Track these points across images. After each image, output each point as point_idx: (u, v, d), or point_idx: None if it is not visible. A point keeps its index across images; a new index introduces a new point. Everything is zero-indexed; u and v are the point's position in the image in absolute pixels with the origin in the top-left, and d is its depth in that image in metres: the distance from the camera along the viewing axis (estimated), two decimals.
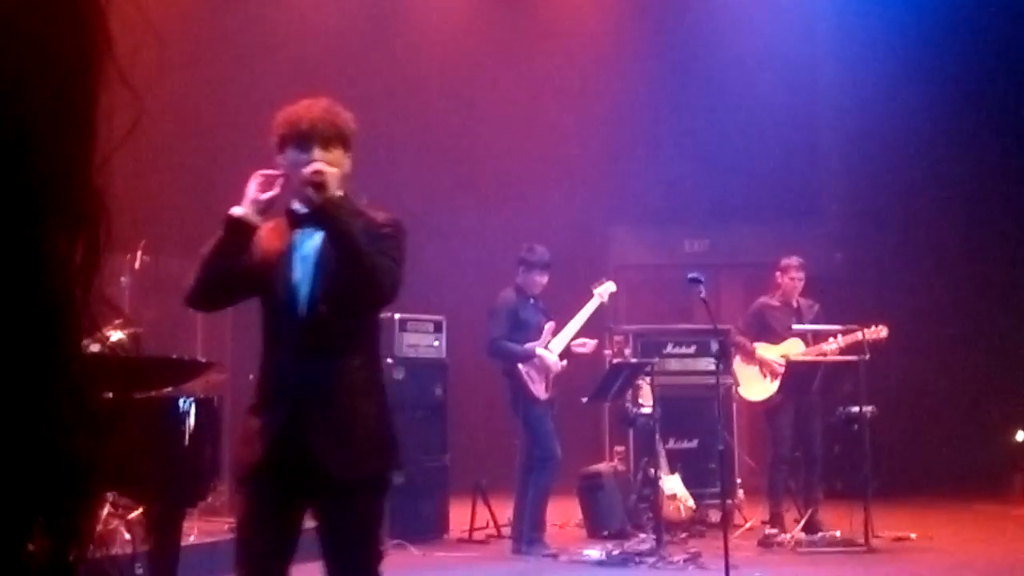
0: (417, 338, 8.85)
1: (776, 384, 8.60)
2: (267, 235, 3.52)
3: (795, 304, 8.78)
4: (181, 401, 4.91)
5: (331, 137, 3.47)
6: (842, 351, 8.44)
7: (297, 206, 3.50)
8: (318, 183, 3.39)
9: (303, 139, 3.45)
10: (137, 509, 6.24)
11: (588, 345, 8.21)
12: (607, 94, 11.99)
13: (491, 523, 8.60)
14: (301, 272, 3.48)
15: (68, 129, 0.55)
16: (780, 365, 8.60)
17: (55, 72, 0.53)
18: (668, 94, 12.10)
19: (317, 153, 3.43)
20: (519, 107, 11.92)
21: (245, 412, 3.50)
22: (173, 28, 10.29)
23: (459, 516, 8.72)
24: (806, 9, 12.30)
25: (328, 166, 3.42)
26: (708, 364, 8.66)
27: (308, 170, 3.39)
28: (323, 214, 3.40)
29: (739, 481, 9.44)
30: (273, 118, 3.53)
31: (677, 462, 8.88)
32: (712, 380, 8.14)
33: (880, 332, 8.30)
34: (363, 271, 3.37)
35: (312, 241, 3.51)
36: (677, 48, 12.15)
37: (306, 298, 3.45)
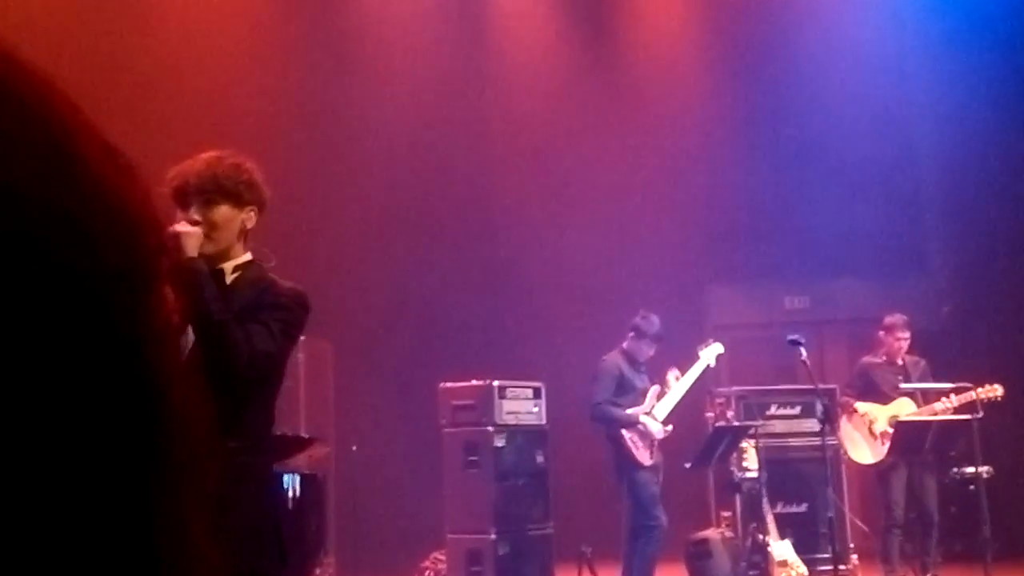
0: (517, 405, 8.81)
1: (886, 446, 8.36)
2: None
3: (901, 362, 8.56)
4: (285, 477, 4.94)
5: (212, 192, 3.24)
6: (955, 410, 8.18)
7: None
8: (171, 246, 3.13)
9: (179, 197, 3.25)
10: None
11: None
12: (700, 150, 11.93)
13: None
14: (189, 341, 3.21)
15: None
16: (889, 429, 8.37)
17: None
18: (763, 148, 11.99)
19: (194, 212, 3.22)
20: (611, 167, 11.91)
21: None
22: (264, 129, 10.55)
23: None
24: (902, 59, 12.13)
25: (191, 226, 3.20)
26: (814, 425, 8.47)
27: (169, 231, 3.15)
28: (173, 279, 3.09)
29: (852, 546, 9.16)
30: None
31: (787, 527, 8.66)
32: (819, 442, 7.97)
33: (995, 391, 8.03)
34: (214, 341, 3.10)
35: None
36: (772, 101, 12.06)
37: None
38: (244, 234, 3.37)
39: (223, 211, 3.28)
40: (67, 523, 0.47)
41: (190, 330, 3.14)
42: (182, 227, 3.19)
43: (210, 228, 3.27)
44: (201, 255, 3.26)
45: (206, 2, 10.49)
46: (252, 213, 3.36)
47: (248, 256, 3.38)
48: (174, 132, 9.18)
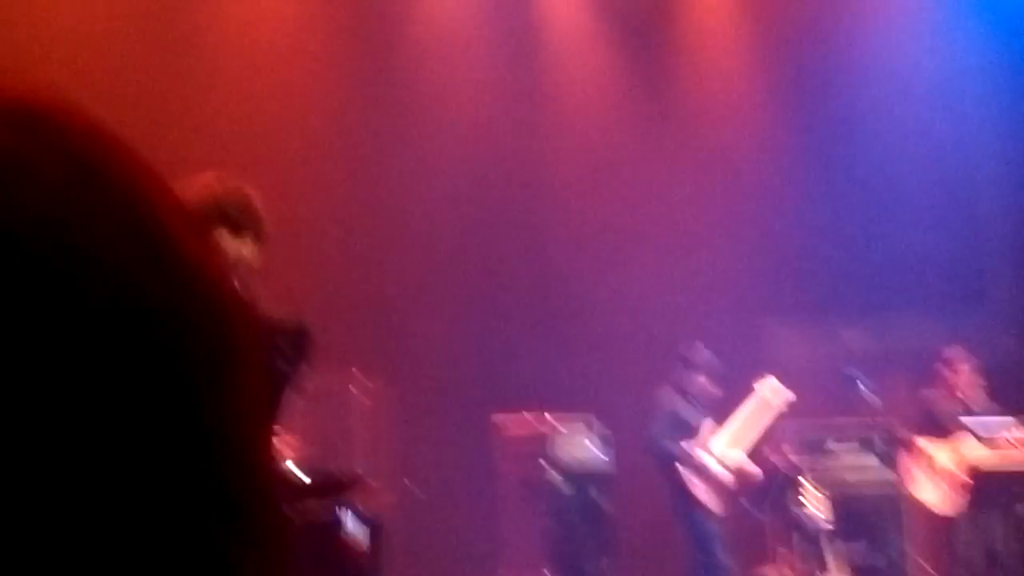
0: (573, 442, 8.76)
1: (950, 491, 8.18)
2: None
3: (961, 396, 8.42)
4: (342, 514, 4.95)
5: (209, 217, 3.09)
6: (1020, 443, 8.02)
7: None
8: None
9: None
10: None
11: (748, 472, 8.00)
12: (757, 180, 11.84)
13: None
14: None
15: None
16: (957, 473, 8.20)
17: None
18: (821, 178, 11.88)
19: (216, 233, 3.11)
20: (666, 199, 11.86)
21: None
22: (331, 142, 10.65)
23: None
24: (963, 88, 11.99)
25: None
26: (874, 461, 8.36)
27: None
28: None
29: None
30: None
31: (847, 564, 8.51)
32: (879, 478, 7.86)
33: None
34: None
35: None
36: (830, 130, 11.95)
37: None
38: (239, 263, 3.20)
39: (219, 237, 3.13)
40: None
41: None
42: None
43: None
44: None
45: (259, 16, 10.60)
46: (250, 241, 3.21)
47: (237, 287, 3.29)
48: (222, 143, 9.31)
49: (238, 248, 3.15)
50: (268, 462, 0.54)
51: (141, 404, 0.46)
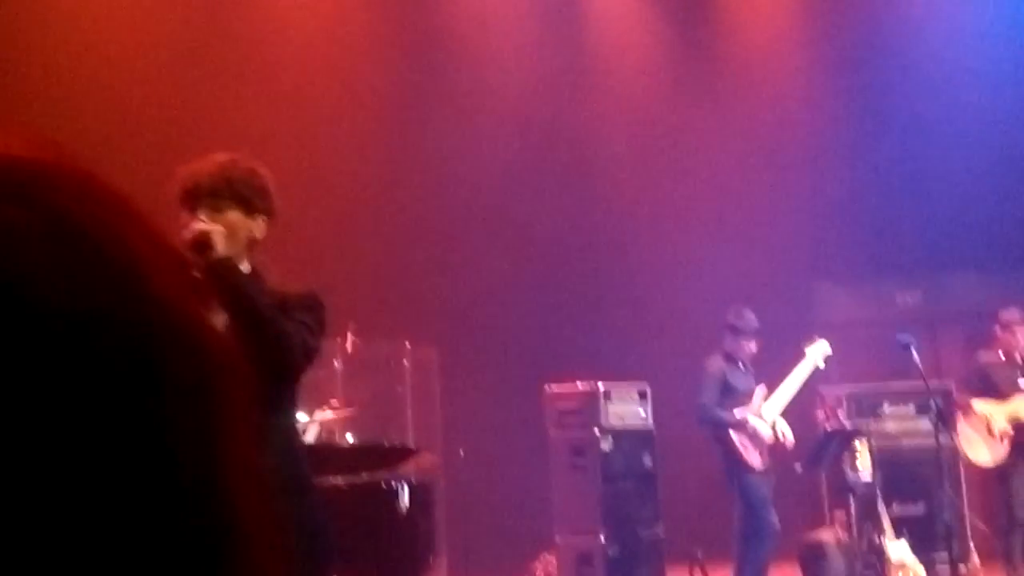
0: (623, 407, 8.79)
1: (1005, 447, 8.13)
2: None
3: (1019, 358, 8.31)
4: (396, 486, 5.02)
5: (223, 196, 3.12)
6: None
7: None
8: (199, 244, 3.04)
9: (189, 199, 3.12)
10: None
11: (788, 442, 7.96)
12: (807, 142, 11.73)
13: None
14: None
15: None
16: (1010, 429, 8.13)
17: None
18: (873, 138, 11.75)
19: (204, 215, 3.09)
20: (715, 164, 11.79)
21: None
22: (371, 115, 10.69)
23: None
24: (1016, 46, 11.76)
25: (212, 225, 3.08)
26: (929, 424, 8.29)
27: (188, 231, 3.06)
28: (211, 278, 3.01)
29: (972, 546, 8.92)
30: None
31: (903, 527, 8.47)
32: (934, 441, 7.80)
33: None
34: (267, 336, 3.00)
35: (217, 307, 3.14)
36: (880, 86, 11.80)
37: None
38: (252, 244, 3.22)
39: (233, 217, 3.14)
40: None
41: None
42: (209, 225, 3.08)
43: (230, 226, 3.16)
44: None
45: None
46: (262, 222, 3.22)
47: (249, 267, 3.21)
48: (271, 103, 9.36)
49: (250, 227, 3.17)
50: (254, 493, 0.54)
51: (108, 436, 0.48)
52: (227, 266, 3.05)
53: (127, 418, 0.48)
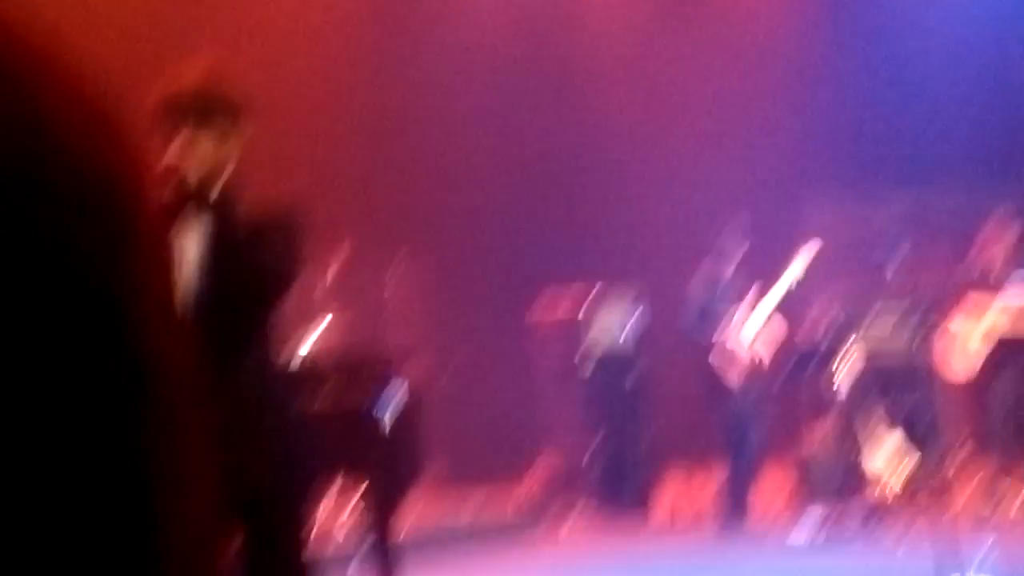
0: (613, 316, 8.88)
1: (981, 357, 8.25)
2: None
3: (999, 268, 8.41)
4: (378, 406, 5.09)
5: (205, 117, 3.11)
6: None
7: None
8: (173, 176, 3.04)
9: (170, 115, 3.10)
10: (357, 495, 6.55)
11: (768, 360, 8.07)
12: (791, 52, 11.67)
13: (698, 502, 8.55)
14: (184, 270, 3.08)
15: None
16: (991, 343, 8.23)
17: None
18: (855, 48, 11.67)
19: (188, 132, 3.08)
20: (700, 74, 11.72)
21: None
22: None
23: (665, 495, 8.69)
24: None
25: (194, 148, 3.08)
26: (910, 334, 8.37)
27: (165, 160, 3.05)
28: (191, 206, 3.04)
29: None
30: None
31: (884, 437, 8.60)
32: (915, 351, 7.91)
33: None
34: (244, 265, 3.05)
35: (191, 235, 3.13)
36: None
37: (192, 299, 3.06)
38: (226, 166, 3.20)
39: (212, 137, 3.13)
40: (57, 462, 0.48)
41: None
42: (181, 160, 3.06)
43: (202, 150, 3.15)
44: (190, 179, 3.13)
45: None
46: (237, 143, 3.20)
47: (223, 192, 3.19)
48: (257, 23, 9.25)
49: (227, 149, 3.16)
50: (167, 328, 0.53)
51: (20, 284, 0.48)
52: (202, 198, 3.05)
53: (22, 228, 0.48)
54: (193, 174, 3.06)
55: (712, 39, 11.79)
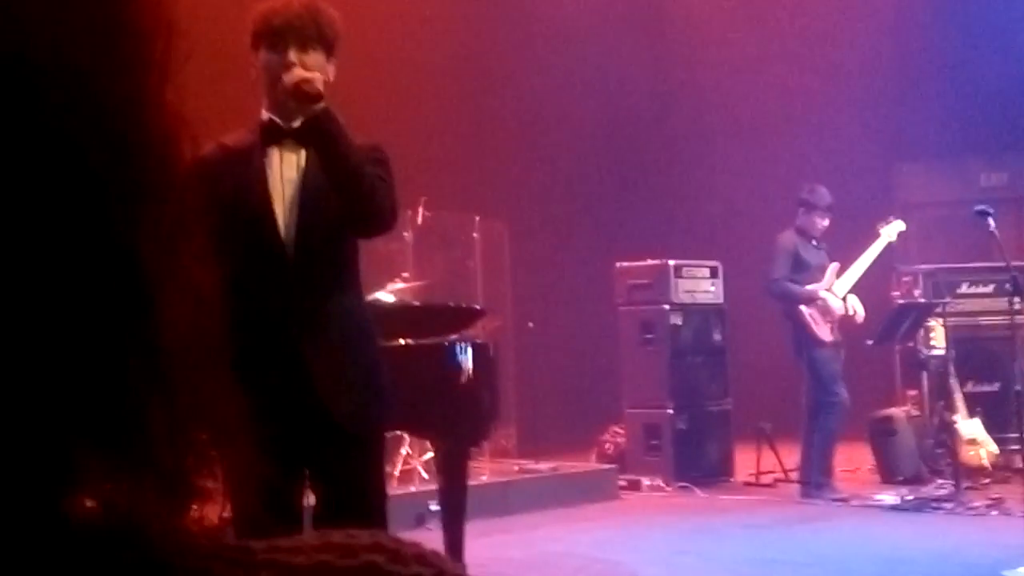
0: (693, 284, 8.80)
1: None
2: (228, 155, 2.96)
3: None
4: (459, 346, 5.07)
5: (310, 37, 2.96)
6: None
7: (269, 117, 3.02)
8: (308, 93, 2.90)
9: (276, 37, 2.94)
10: (427, 449, 6.56)
11: (859, 316, 7.87)
12: (886, 21, 11.38)
13: (778, 467, 8.46)
14: (284, 198, 2.99)
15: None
16: None
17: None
18: (953, 15, 11.35)
19: (292, 55, 2.94)
20: (792, 42, 11.51)
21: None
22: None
23: (744, 461, 8.63)
24: None
25: (314, 73, 2.93)
26: (1006, 304, 8.13)
27: (293, 77, 2.90)
28: (318, 129, 2.90)
29: None
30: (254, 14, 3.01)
31: (977, 406, 8.40)
32: (1010, 321, 7.67)
33: None
34: (363, 195, 2.92)
35: (293, 160, 3.03)
36: None
37: (293, 228, 2.97)
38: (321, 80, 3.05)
39: (318, 59, 2.99)
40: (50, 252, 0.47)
41: None
42: (312, 74, 2.92)
43: (317, 70, 3.02)
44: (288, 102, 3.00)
45: None
46: (334, 67, 3.10)
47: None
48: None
49: (328, 72, 3.03)
50: (164, 121, 0.51)
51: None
52: (332, 117, 2.91)
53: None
54: (323, 97, 2.93)
55: (804, 5, 11.56)
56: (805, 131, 11.18)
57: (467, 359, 5.00)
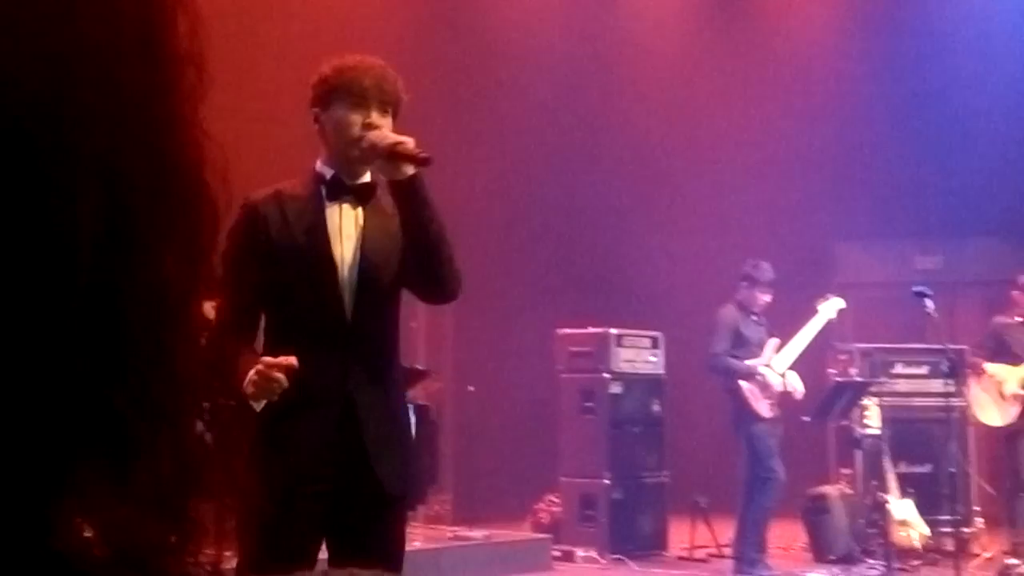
0: (633, 353, 8.81)
1: (1016, 409, 8.10)
2: (284, 202, 2.95)
3: None
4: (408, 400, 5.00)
5: (389, 102, 2.97)
6: None
7: (327, 172, 3.00)
8: (409, 155, 2.85)
9: (360, 98, 2.93)
10: None
11: (798, 393, 7.93)
12: (829, 104, 11.64)
13: (712, 542, 8.43)
14: (343, 255, 2.96)
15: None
16: (1021, 392, 8.10)
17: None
18: (894, 103, 11.64)
19: (376, 117, 2.92)
20: (737, 119, 11.72)
21: (271, 422, 2.72)
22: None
23: (678, 534, 8.60)
24: None
25: (406, 137, 2.90)
26: (940, 386, 8.25)
27: (387, 138, 2.87)
28: (412, 192, 2.86)
29: (978, 509, 8.91)
30: (318, 69, 3.01)
31: (910, 487, 8.47)
32: (945, 402, 7.77)
33: None
34: (444, 260, 2.91)
35: (352, 217, 3.00)
36: (902, 55, 11.69)
37: (354, 286, 2.94)
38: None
39: (389, 123, 2.99)
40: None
41: None
42: (405, 138, 2.90)
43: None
44: (358, 167, 3.03)
45: None
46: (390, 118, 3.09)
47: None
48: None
49: (390, 127, 3.01)
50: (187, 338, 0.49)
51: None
52: (421, 183, 2.89)
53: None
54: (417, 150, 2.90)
55: (751, 86, 11.79)
56: (748, 207, 11.33)
57: (411, 421, 4.94)
